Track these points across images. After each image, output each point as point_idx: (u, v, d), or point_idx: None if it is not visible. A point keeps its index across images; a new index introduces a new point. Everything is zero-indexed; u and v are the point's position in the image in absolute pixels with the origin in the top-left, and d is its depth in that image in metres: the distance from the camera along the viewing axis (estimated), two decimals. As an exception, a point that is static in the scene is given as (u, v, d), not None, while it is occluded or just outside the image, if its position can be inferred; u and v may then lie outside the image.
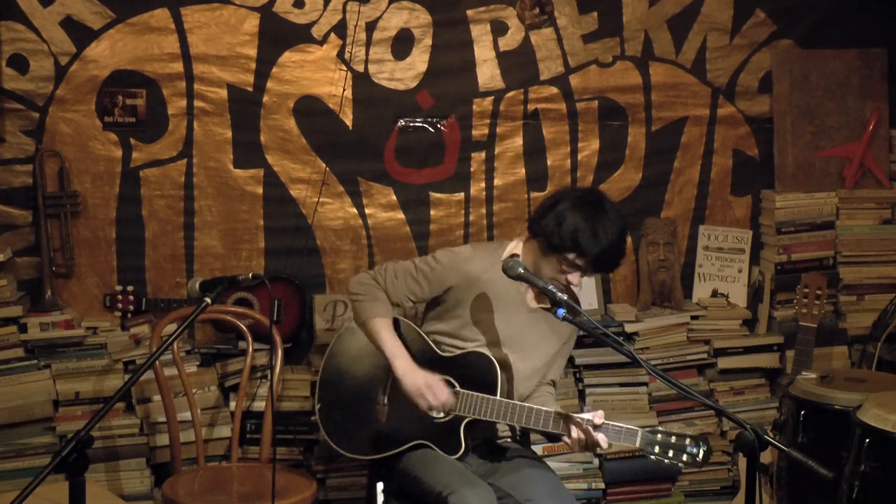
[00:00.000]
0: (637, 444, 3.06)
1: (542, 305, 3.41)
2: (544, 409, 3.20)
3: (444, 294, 3.43)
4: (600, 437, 3.08)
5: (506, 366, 3.38)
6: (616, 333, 4.18)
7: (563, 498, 3.22)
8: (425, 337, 3.45)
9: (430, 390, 3.29)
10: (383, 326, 3.39)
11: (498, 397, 3.27)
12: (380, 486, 3.50)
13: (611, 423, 3.11)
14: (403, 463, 3.35)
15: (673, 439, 3.02)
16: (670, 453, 3.01)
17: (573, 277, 3.31)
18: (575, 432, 3.12)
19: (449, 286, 3.41)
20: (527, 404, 3.25)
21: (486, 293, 3.39)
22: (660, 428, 3.08)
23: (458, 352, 3.38)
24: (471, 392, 3.29)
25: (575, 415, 3.14)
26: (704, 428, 4.33)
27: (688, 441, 3.01)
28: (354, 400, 3.49)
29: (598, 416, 3.10)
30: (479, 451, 3.43)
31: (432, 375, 3.33)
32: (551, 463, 4.12)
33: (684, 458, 3.00)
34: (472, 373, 3.33)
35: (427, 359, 3.40)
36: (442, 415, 3.33)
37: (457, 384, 3.34)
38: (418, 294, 3.45)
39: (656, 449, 3.03)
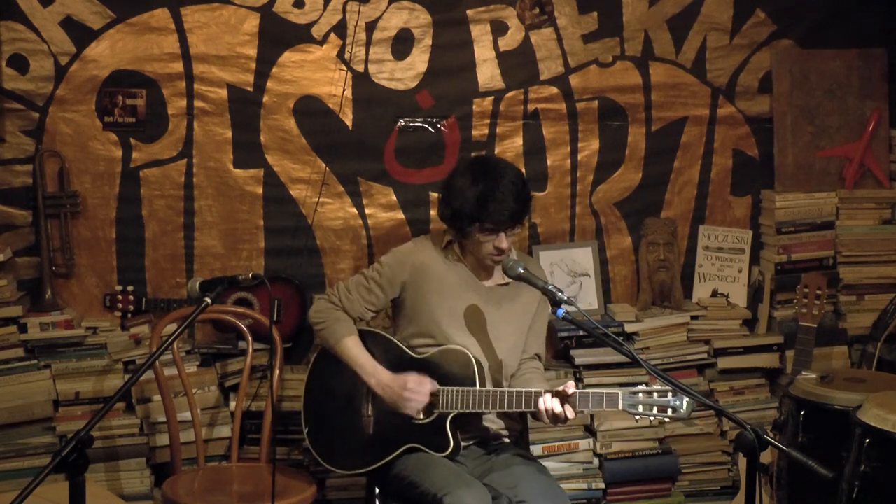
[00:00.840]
0: (620, 407, 3.08)
1: (499, 282, 3.44)
2: (524, 390, 3.23)
3: (402, 293, 3.48)
4: (567, 409, 3.14)
5: (482, 350, 3.40)
6: (616, 333, 4.17)
7: (557, 498, 3.23)
8: (397, 342, 3.48)
9: (411, 394, 3.33)
10: (351, 346, 3.45)
11: (477, 388, 3.29)
12: (376, 490, 3.52)
13: (591, 390, 3.14)
14: (398, 468, 3.36)
15: (655, 395, 3.05)
16: (654, 410, 3.04)
17: (499, 243, 3.34)
18: (542, 405, 3.16)
19: (402, 282, 3.46)
20: (506, 389, 3.26)
21: (439, 281, 3.43)
22: (640, 386, 3.09)
23: (432, 351, 3.40)
24: (450, 388, 3.31)
25: (548, 390, 3.17)
26: (704, 428, 4.33)
27: (670, 395, 3.02)
28: (340, 418, 3.51)
29: (569, 387, 3.15)
30: (475, 452, 3.44)
31: (407, 377, 3.37)
32: (551, 463, 4.14)
33: (669, 412, 3.03)
34: (449, 369, 3.36)
35: (402, 363, 3.42)
36: (422, 416, 3.35)
37: (436, 383, 3.35)
38: (376, 302, 3.50)
39: (640, 408, 3.06)
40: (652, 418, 3.07)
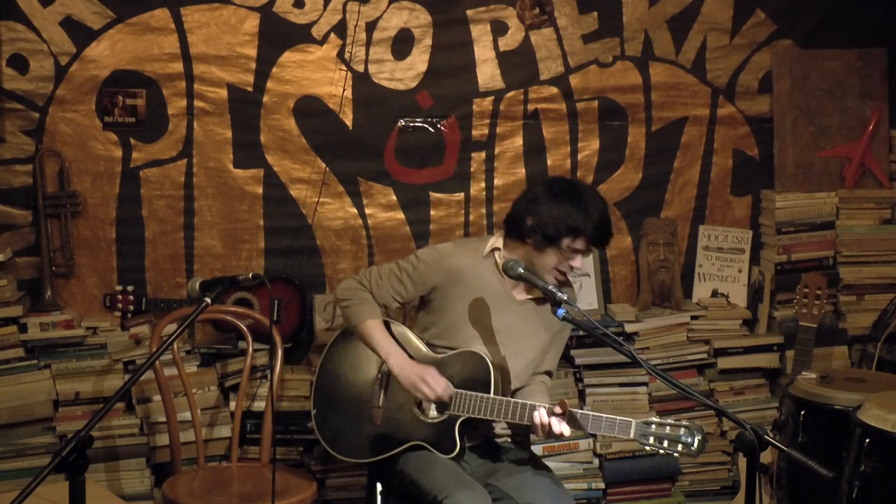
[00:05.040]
0: (631, 436, 3.07)
1: (530, 297, 3.43)
2: (528, 402, 3.23)
3: (430, 293, 3.45)
4: (563, 426, 3.14)
5: (498, 361, 3.39)
6: (616, 333, 4.18)
7: (563, 500, 3.23)
8: (417, 339, 3.46)
9: (427, 381, 3.31)
10: (375, 327, 3.42)
11: (492, 395, 3.28)
12: (378, 486, 3.52)
13: (605, 415, 3.14)
14: (400, 464, 3.36)
15: (667, 429, 3.03)
16: (665, 443, 3.03)
17: (575, 262, 3.34)
18: (537, 419, 3.17)
19: (433, 285, 3.43)
20: (520, 400, 3.26)
21: (471, 289, 3.40)
22: (654, 418, 3.08)
23: (451, 352, 3.39)
24: (465, 391, 3.30)
25: (542, 405, 3.18)
26: (704, 428, 4.31)
27: (682, 431, 3.02)
28: (349, 404, 3.50)
29: (558, 406, 3.16)
30: (478, 452, 3.43)
31: (428, 367, 3.34)
32: (551, 463, 4.13)
33: (679, 447, 3.02)
34: (465, 372, 3.34)
35: (420, 360, 3.41)
36: (435, 414, 3.34)
37: (451, 386, 3.34)
38: (404, 294, 3.47)
39: (651, 440, 3.05)
40: (661, 451, 3.06)
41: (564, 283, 3.41)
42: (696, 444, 3.01)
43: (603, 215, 3.32)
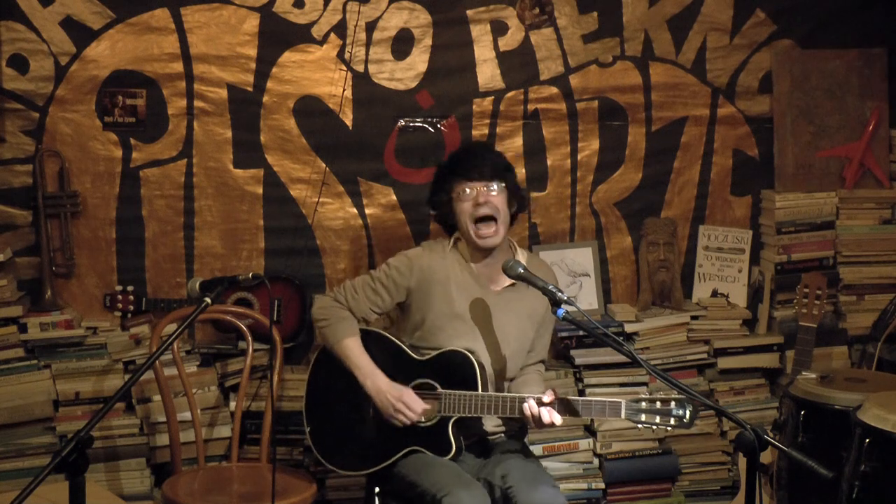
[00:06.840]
0: (622, 416, 3.09)
1: (507, 285, 3.44)
2: (518, 395, 3.24)
3: (407, 298, 3.49)
4: (554, 416, 3.16)
5: (488, 353, 3.40)
6: (616, 333, 4.18)
7: (542, 483, 3.25)
8: (400, 343, 3.48)
9: (402, 407, 3.34)
10: (351, 347, 3.45)
11: (479, 392, 3.29)
12: (376, 489, 3.52)
13: (594, 398, 3.16)
14: (398, 468, 3.38)
15: (658, 405, 3.05)
16: (657, 419, 3.05)
17: (476, 198, 3.40)
18: (527, 410, 3.18)
19: (407, 287, 3.47)
20: (509, 394, 3.27)
21: (445, 286, 3.43)
22: (643, 395, 3.09)
23: (435, 353, 3.40)
24: (452, 391, 3.31)
25: (531, 395, 3.20)
26: (704, 428, 4.33)
27: (673, 404, 3.03)
28: (342, 418, 3.51)
29: (547, 395, 3.18)
30: (473, 450, 3.45)
31: (404, 389, 3.37)
32: (551, 463, 4.15)
33: (672, 421, 3.04)
34: (451, 371, 3.36)
35: (405, 365, 3.42)
36: (423, 419, 3.35)
37: (438, 385, 3.35)
38: (380, 304, 3.50)
39: (642, 417, 3.06)
40: (654, 427, 3.06)
41: (486, 220, 3.40)
42: (687, 416, 3.02)
43: (473, 144, 3.46)
